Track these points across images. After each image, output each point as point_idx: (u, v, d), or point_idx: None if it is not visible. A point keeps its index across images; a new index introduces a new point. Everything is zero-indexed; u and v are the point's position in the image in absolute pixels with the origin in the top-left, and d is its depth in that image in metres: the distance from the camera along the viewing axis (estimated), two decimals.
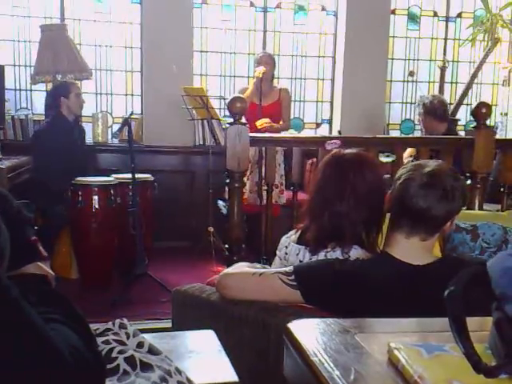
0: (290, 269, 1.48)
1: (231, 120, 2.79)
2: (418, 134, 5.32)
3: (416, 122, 5.41)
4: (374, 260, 1.50)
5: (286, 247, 1.73)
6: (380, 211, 1.57)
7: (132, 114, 3.88)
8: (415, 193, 1.40)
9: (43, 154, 3.78)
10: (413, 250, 1.44)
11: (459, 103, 5.20)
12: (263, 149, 3.13)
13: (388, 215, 1.56)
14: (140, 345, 1.00)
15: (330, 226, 1.60)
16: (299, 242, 1.69)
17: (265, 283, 1.47)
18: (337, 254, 1.59)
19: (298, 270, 1.47)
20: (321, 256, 1.61)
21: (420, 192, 1.39)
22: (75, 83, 4.07)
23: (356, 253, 1.58)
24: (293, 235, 1.74)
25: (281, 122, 4.31)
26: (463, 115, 5.46)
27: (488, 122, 3.07)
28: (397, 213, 1.46)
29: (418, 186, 1.40)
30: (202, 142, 4.79)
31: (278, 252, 1.78)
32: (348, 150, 1.71)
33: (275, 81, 4.62)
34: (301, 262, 1.63)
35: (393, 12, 5.30)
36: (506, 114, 5.49)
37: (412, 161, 3.50)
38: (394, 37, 5.34)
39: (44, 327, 0.73)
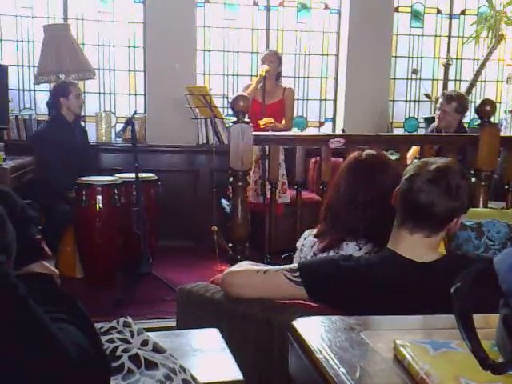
0: (294, 265, 1.49)
1: (234, 119, 2.79)
2: (421, 131, 5.31)
3: (420, 120, 5.40)
4: (378, 257, 1.49)
5: (305, 239, 1.80)
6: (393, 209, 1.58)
7: (135, 113, 3.88)
8: (419, 188, 1.39)
9: (43, 154, 3.79)
10: (417, 246, 1.43)
11: None
12: (266, 147, 3.13)
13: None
14: (144, 343, 1.00)
15: (345, 227, 1.67)
16: (317, 236, 1.76)
17: (269, 280, 1.48)
18: (350, 247, 1.64)
19: (303, 267, 1.47)
20: (332, 251, 1.66)
21: (424, 187, 1.38)
22: (75, 84, 4.06)
23: (369, 247, 1.63)
24: (315, 230, 1.80)
25: (283, 122, 4.29)
26: (467, 113, 5.43)
27: (492, 120, 3.06)
28: (401, 208, 1.45)
29: (423, 181, 1.39)
30: (205, 141, 4.78)
31: (298, 243, 1.84)
32: (366, 152, 1.75)
33: (282, 79, 4.60)
34: (314, 254, 1.70)
35: (396, 10, 5.29)
36: (511, 112, 5.46)
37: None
38: (397, 34, 5.33)
39: (51, 326, 0.73)
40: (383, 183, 1.65)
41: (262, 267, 1.55)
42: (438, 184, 1.38)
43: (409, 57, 5.43)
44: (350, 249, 1.64)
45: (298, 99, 5.25)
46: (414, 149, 3.84)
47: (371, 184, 1.66)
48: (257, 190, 3.92)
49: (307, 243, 1.78)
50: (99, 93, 4.93)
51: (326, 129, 5.34)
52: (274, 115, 4.17)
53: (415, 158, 3.64)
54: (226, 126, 3.90)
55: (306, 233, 1.84)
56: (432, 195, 1.38)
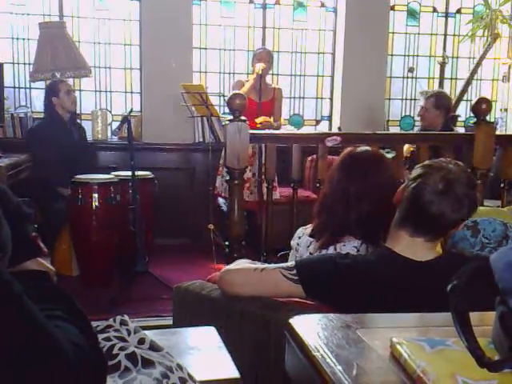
0: (291, 263, 1.49)
1: (231, 117, 2.79)
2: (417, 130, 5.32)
3: (416, 118, 5.40)
4: (375, 255, 1.50)
5: (299, 238, 1.79)
6: (389, 208, 1.57)
7: (131, 111, 3.87)
8: (428, 198, 1.39)
9: (38, 151, 3.79)
10: (416, 247, 1.44)
11: (459, 99, 5.19)
12: (263, 146, 3.13)
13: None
14: (141, 341, 1.00)
15: (341, 222, 1.66)
16: (312, 234, 1.75)
17: (266, 278, 1.48)
18: (347, 247, 1.63)
19: (300, 265, 1.47)
20: (330, 250, 1.65)
21: (433, 198, 1.38)
22: (64, 81, 4.05)
23: (365, 247, 1.63)
24: (309, 227, 1.79)
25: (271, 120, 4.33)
26: (463, 111, 5.46)
27: (488, 118, 3.07)
28: (405, 212, 1.45)
29: (433, 191, 1.39)
30: (201, 139, 4.79)
31: (292, 242, 1.83)
32: (361, 148, 1.75)
33: (270, 79, 4.64)
34: (310, 254, 1.69)
35: (392, 8, 5.30)
36: (506, 110, 5.48)
37: (406, 161, 3.50)
38: (393, 33, 5.34)
39: (46, 324, 0.73)
40: (377, 178, 1.65)
41: (259, 265, 1.55)
42: (448, 196, 1.38)
43: (405, 55, 5.43)
44: (347, 250, 1.63)
45: (294, 97, 5.26)
46: (406, 147, 3.83)
47: (364, 178, 1.66)
48: (247, 187, 3.89)
49: (302, 243, 1.77)
50: (95, 91, 4.91)
51: (323, 127, 5.35)
52: (268, 114, 4.20)
53: (406, 157, 3.63)
54: (223, 124, 3.90)
55: (300, 231, 1.82)
56: (443, 206, 1.38)
